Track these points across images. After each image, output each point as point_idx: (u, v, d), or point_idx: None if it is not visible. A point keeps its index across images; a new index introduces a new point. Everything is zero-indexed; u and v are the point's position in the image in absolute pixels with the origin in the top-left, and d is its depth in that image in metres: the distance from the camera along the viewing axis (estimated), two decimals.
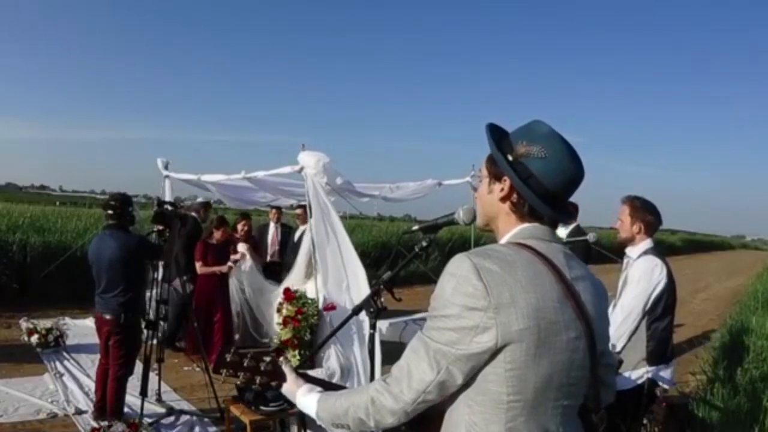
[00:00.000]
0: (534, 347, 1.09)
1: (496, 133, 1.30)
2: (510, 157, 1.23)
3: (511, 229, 1.25)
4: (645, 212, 2.97)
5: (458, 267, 1.13)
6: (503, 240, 1.26)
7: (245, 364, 1.49)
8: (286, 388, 1.44)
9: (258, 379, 1.48)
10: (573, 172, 1.23)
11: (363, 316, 1.84)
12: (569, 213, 1.32)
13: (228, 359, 1.49)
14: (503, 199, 1.25)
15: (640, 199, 3.01)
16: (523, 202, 1.23)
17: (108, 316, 3.89)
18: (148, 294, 4.53)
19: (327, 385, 1.47)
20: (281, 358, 1.55)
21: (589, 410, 1.27)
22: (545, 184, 1.21)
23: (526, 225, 1.24)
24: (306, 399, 1.36)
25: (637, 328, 2.89)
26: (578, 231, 4.86)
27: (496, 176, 1.26)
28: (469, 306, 1.09)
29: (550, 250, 1.20)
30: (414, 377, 1.13)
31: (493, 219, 1.30)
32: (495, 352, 1.09)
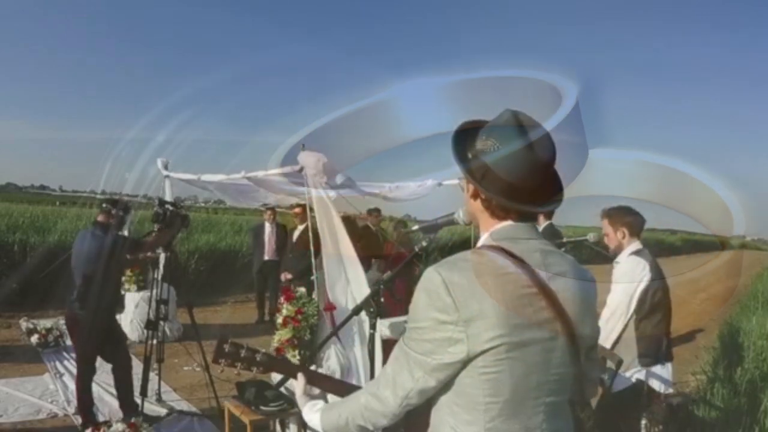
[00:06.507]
0: (505, 352, 1.11)
1: (469, 131, 1.28)
2: (470, 155, 1.23)
3: (488, 229, 1.25)
4: (622, 216, 3.11)
5: (429, 281, 1.15)
6: (480, 242, 1.26)
7: (242, 355, 1.53)
8: (297, 398, 1.50)
9: (254, 370, 1.53)
10: (532, 158, 1.16)
11: (363, 316, 1.84)
12: (554, 201, 1.25)
13: (226, 350, 1.52)
14: (473, 197, 1.25)
15: (615, 207, 3.16)
16: (490, 198, 1.21)
17: (68, 313, 3.99)
18: (147, 294, 4.54)
19: (336, 384, 1.54)
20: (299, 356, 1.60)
21: (574, 404, 1.28)
22: (503, 177, 1.17)
23: (500, 225, 1.23)
24: (310, 416, 1.42)
25: (625, 326, 2.97)
26: (552, 230, 4.73)
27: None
28: (441, 320, 1.12)
29: (525, 249, 1.19)
30: (397, 384, 1.19)
31: (474, 217, 1.31)
32: (467, 361, 1.12)
